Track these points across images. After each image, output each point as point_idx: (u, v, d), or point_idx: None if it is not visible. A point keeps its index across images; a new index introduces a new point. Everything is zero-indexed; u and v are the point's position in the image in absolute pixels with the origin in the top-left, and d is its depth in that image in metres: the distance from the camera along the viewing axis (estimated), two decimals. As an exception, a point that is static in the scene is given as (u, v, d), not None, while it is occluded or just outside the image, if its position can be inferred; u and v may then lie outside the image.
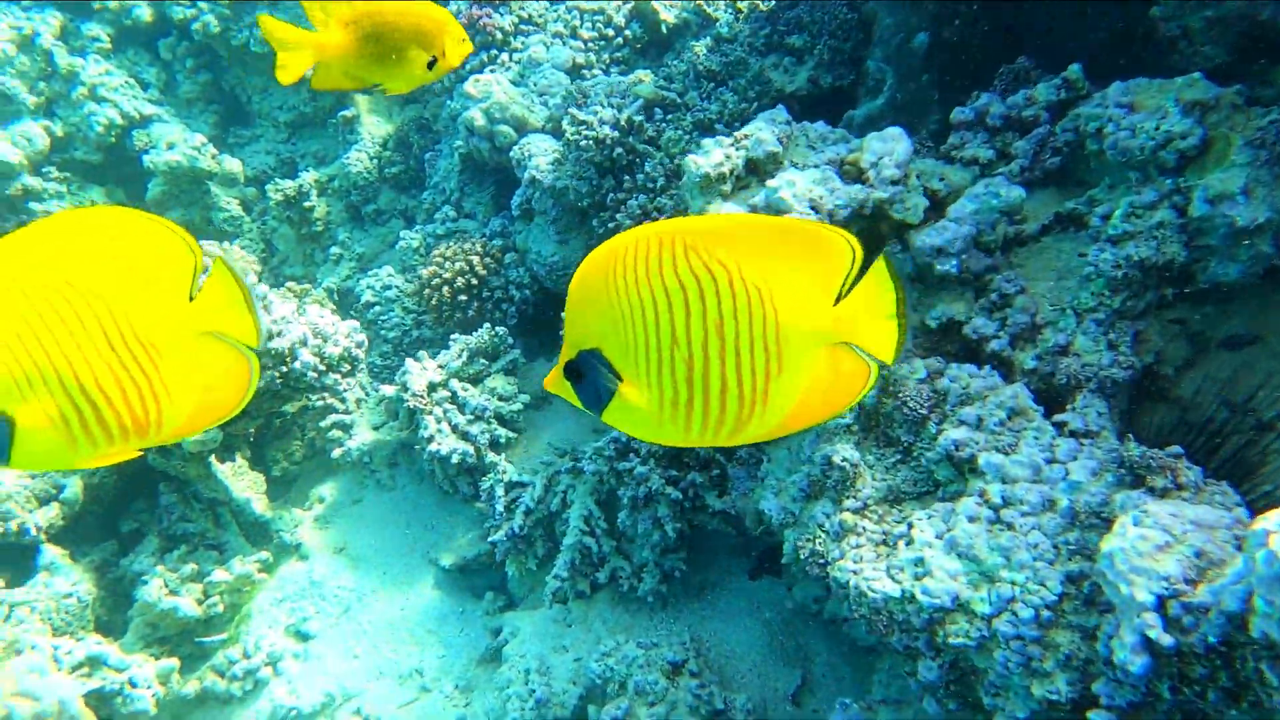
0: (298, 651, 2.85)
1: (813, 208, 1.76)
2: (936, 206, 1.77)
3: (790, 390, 1.03)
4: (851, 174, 1.80)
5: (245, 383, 1.15)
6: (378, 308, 3.35)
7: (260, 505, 3.18)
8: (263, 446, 3.35)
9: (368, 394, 3.32)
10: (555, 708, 2.35)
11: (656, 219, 2.61)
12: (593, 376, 1.05)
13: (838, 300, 1.02)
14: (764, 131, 1.92)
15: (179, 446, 2.83)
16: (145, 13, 3.58)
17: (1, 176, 3.28)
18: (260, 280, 2.91)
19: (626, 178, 2.70)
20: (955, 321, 1.72)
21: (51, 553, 2.79)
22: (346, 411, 3.23)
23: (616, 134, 2.66)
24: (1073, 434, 1.40)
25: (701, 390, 1.02)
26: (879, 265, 1.02)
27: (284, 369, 2.80)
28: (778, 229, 1.04)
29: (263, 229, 3.79)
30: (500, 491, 2.71)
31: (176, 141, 3.50)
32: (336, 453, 3.18)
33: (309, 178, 3.61)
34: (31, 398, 1.05)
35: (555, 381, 1.08)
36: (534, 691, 2.38)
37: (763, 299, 1.00)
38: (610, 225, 2.72)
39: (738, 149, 1.93)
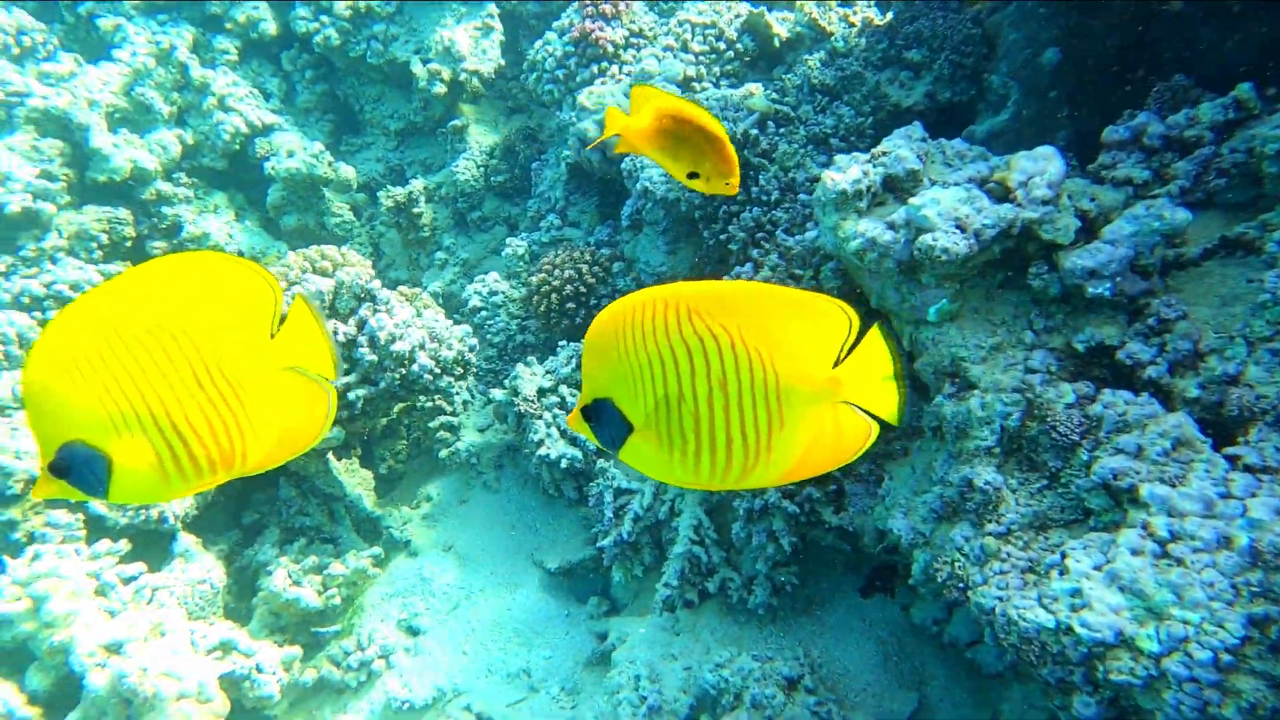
0: (408, 646, 2.94)
1: (958, 226, 1.74)
2: (1086, 227, 1.73)
3: (792, 443, 1.10)
4: (997, 193, 1.77)
5: (324, 414, 1.19)
6: (484, 313, 3.43)
7: (370, 502, 3.30)
8: (370, 445, 3.47)
9: (474, 397, 3.41)
10: (667, 715, 2.38)
11: (771, 233, 2.61)
12: (606, 422, 1.12)
13: (837, 363, 1.10)
14: (903, 148, 1.91)
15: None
16: (270, 27, 3.75)
17: (139, 182, 3.47)
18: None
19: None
20: (1106, 346, 1.68)
21: (186, 540, 2.94)
22: (454, 414, 3.32)
23: (732, 147, 2.68)
24: (1248, 469, 1.36)
25: (708, 440, 1.09)
26: (874, 332, 1.11)
27: (402, 371, 2.90)
28: (776, 297, 1.10)
29: (371, 234, 3.92)
30: (609, 497, 2.75)
31: (296, 149, 3.65)
32: (444, 453, 3.28)
33: (418, 185, 3.72)
34: (126, 436, 1.10)
35: (575, 420, 1.15)
36: (645, 698, 2.41)
37: (763, 361, 1.08)
38: (721, 237, 2.74)
39: (875, 165, 1.93)
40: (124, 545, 2.84)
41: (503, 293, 3.44)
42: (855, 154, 1.98)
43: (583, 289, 3.07)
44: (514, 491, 3.21)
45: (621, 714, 2.42)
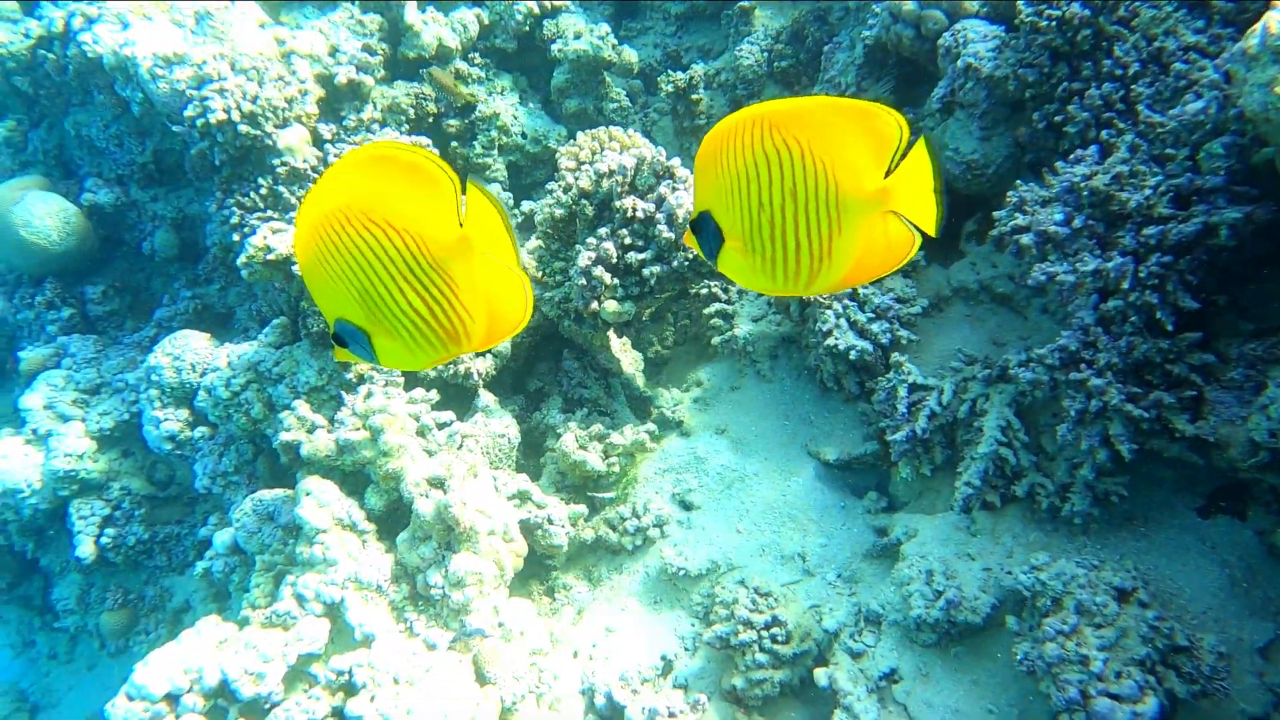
0: (681, 519, 3.05)
1: None
2: None
3: (849, 249, 1.22)
4: None
5: (524, 297, 1.25)
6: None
7: (640, 382, 3.40)
8: (640, 329, 3.56)
9: (747, 286, 3.39)
10: (966, 612, 2.32)
11: (1126, 110, 2.33)
12: (706, 233, 1.26)
13: (888, 174, 1.17)
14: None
15: (596, 315, 3.06)
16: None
17: (440, 59, 3.65)
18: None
19: (1087, 64, 2.44)
20: None
21: (487, 397, 3.17)
22: (729, 302, 3.33)
23: (1088, 13, 2.40)
24: None
25: (781, 247, 1.22)
26: (920, 145, 1.17)
27: (694, 251, 2.91)
28: (839, 108, 1.17)
29: (644, 120, 3.94)
30: (903, 392, 2.66)
31: (582, 32, 3.70)
32: (716, 340, 3.30)
33: (698, 71, 3.67)
34: (374, 320, 1.23)
35: (688, 237, 1.30)
36: (942, 592, 2.35)
37: (826, 171, 1.17)
38: (1057, 119, 2.49)
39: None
40: (434, 395, 3.11)
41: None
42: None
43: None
44: (788, 382, 3.19)
45: (914, 605, 2.39)
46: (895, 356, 2.70)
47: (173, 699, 2.57)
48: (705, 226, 1.25)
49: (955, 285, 2.91)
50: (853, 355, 2.80)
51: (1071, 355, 2.21)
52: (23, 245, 3.80)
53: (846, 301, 2.85)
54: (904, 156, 1.16)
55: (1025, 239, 2.27)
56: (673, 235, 2.87)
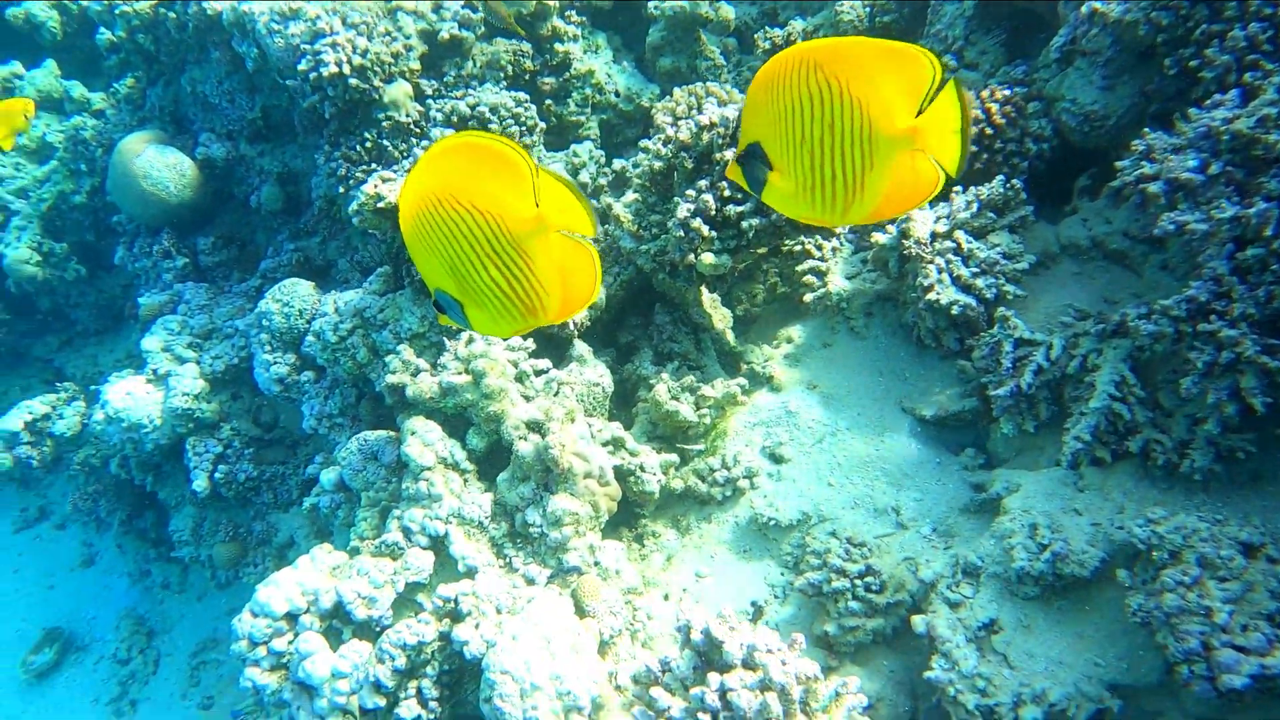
0: (771, 471, 3.06)
1: None
2: None
3: (880, 184, 1.31)
4: None
5: (593, 268, 1.38)
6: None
7: (730, 338, 3.42)
8: (731, 286, 3.56)
9: (841, 243, 3.37)
10: (1073, 565, 2.28)
11: (1272, 51, 2.23)
12: (754, 165, 1.37)
13: (919, 114, 1.25)
14: None
15: (691, 268, 3.08)
16: None
17: (538, 17, 3.70)
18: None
19: (1230, 3, 2.34)
20: None
21: (581, 347, 3.24)
22: (823, 259, 3.31)
23: (1229, -48, 2.30)
24: None
25: (820, 178, 1.33)
26: (951, 87, 1.24)
27: (794, 204, 2.90)
28: (880, 49, 1.24)
29: (737, 79, 3.92)
30: (1009, 347, 2.62)
31: (680, -13, 3.69)
32: (809, 298, 3.29)
33: (795, 26, 3.63)
34: (464, 292, 1.38)
35: (733, 170, 1.40)
36: (1047, 545, 2.33)
37: (862, 108, 1.26)
38: (1192, 64, 2.40)
39: None
40: (530, 344, 3.18)
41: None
42: None
43: (988, 130, 2.86)
44: (882, 339, 3.16)
45: (1017, 557, 2.36)
46: (1001, 311, 2.66)
47: (291, 617, 2.72)
48: (753, 158, 1.37)
49: (1064, 242, 2.84)
50: (955, 310, 2.77)
51: (1201, 306, 2.14)
52: (143, 196, 4.01)
53: (950, 256, 2.81)
54: (935, 95, 1.24)
55: (1153, 188, 2.20)
56: (774, 186, 2.86)
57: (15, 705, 4.48)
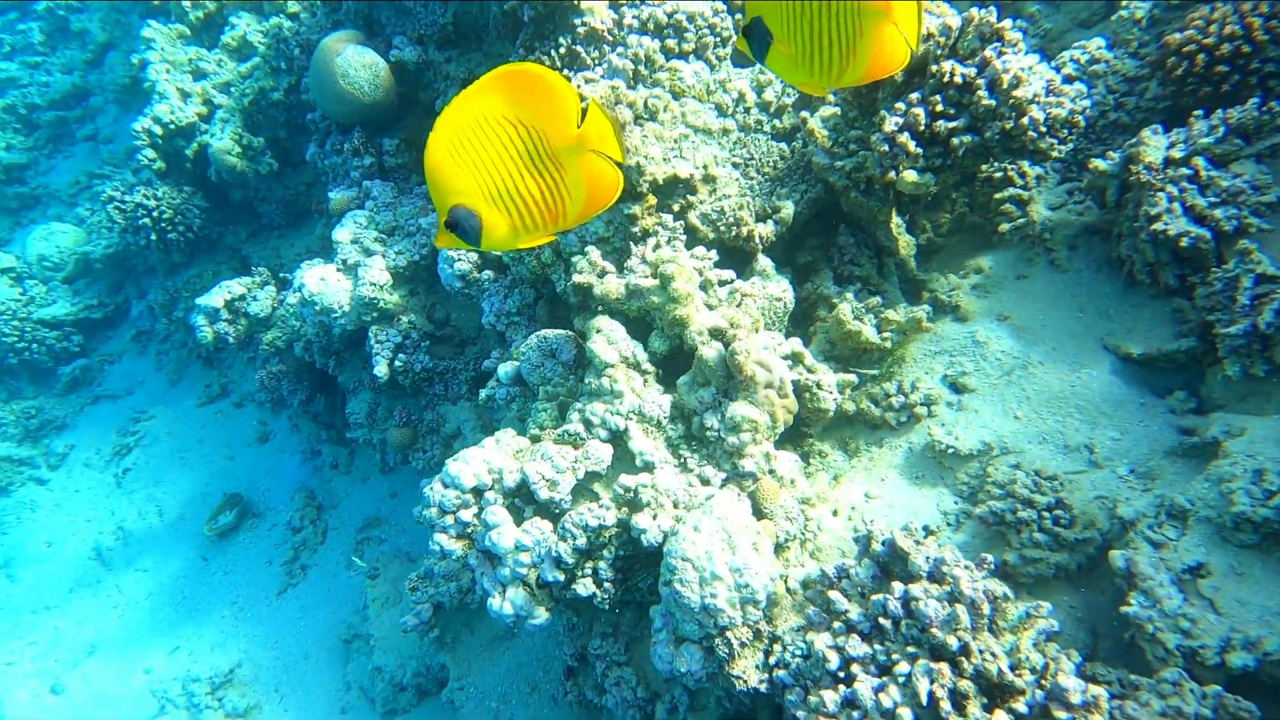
0: (951, 401, 2.99)
1: None
2: None
3: (866, 51, 1.63)
4: None
5: (616, 187, 1.60)
6: (1079, 83, 3.13)
7: (913, 265, 3.32)
8: (916, 213, 3.45)
9: (1046, 172, 3.20)
10: (1305, 515, 2.15)
11: None
12: (759, 34, 1.66)
13: None
14: None
15: (890, 186, 3.00)
16: None
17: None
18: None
19: None
20: None
21: (764, 261, 3.22)
22: (1025, 186, 3.15)
23: None
24: None
25: (817, 45, 1.63)
26: None
27: (1010, 123, 2.77)
28: None
29: (938, -2, 3.73)
30: (1247, 283, 2.44)
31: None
32: (1006, 227, 3.16)
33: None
34: (491, 202, 1.54)
35: (740, 40, 1.72)
36: (1275, 492, 2.19)
37: None
38: None
39: None
40: (714, 254, 3.18)
41: (1105, 62, 3.09)
42: None
43: (1244, 49, 2.62)
44: (1086, 273, 3.01)
45: (1238, 501, 2.24)
46: (1243, 243, 2.47)
47: (478, 492, 2.88)
48: (758, 28, 1.66)
49: (1317, 177, 2.60)
50: (1185, 242, 2.59)
51: None
52: (340, 94, 4.20)
53: (1184, 184, 2.63)
54: None
55: None
56: (993, 102, 2.73)
57: (198, 561, 4.97)
